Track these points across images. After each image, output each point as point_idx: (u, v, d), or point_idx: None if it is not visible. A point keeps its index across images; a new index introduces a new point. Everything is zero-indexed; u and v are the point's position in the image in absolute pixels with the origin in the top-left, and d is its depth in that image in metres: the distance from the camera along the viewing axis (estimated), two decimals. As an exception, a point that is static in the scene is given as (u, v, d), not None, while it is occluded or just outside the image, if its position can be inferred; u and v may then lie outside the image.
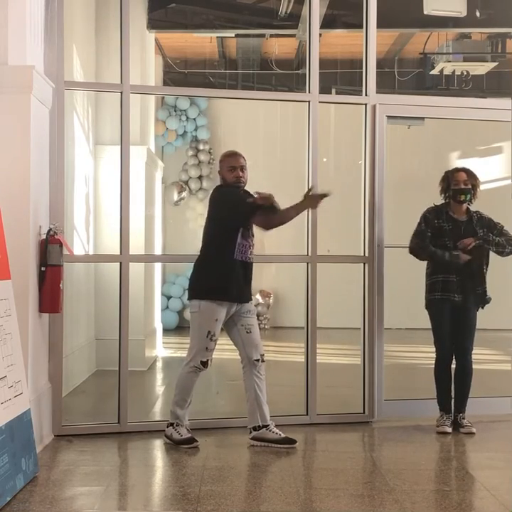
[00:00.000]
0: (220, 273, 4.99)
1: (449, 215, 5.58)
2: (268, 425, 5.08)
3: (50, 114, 5.21)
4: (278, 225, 5.04)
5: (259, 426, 5.08)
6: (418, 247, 5.58)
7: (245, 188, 5.16)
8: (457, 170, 5.61)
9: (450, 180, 5.57)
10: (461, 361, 5.57)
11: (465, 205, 5.58)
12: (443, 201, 5.65)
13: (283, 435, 5.07)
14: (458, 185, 5.53)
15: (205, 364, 5.02)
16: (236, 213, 4.98)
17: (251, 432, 5.11)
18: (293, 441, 5.05)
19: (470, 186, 5.52)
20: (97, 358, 7.81)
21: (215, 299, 4.98)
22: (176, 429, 5.08)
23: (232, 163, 5.15)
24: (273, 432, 5.07)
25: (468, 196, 5.53)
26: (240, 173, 5.11)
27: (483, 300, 5.54)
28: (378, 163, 5.83)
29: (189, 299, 5.18)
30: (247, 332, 5.11)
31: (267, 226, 5.09)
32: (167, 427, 5.14)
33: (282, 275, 11.64)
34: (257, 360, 5.07)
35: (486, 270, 5.58)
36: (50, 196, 5.24)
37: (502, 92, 11.41)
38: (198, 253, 5.15)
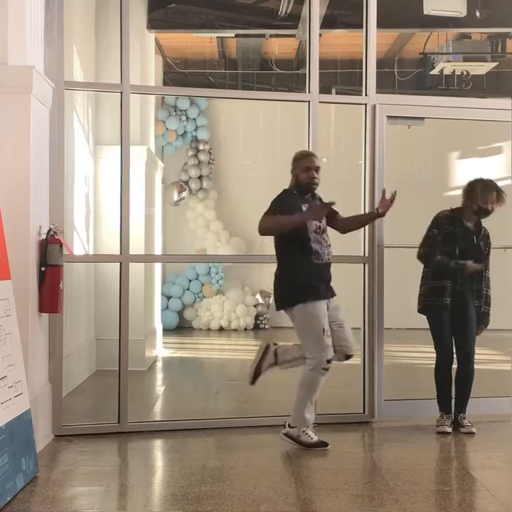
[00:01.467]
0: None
1: (462, 221, 5.57)
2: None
3: (50, 114, 5.21)
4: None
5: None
6: (427, 256, 5.56)
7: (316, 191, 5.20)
8: (491, 189, 5.50)
9: (479, 195, 5.49)
10: (464, 364, 5.55)
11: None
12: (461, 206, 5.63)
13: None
14: (486, 205, 5.48)
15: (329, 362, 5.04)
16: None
17: (285, 427, 5.14)
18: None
19: (494, 208, 5.51)
20: (97, 358, 7.81)
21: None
22: (305, 432, 5.07)
23: (307, 163, 5.12)
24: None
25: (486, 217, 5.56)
26: (315, 174, 5.10)
27: (483, 317, 5.60)
28: (378, 163, 5.82)
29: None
30: (340, 327, 5.13)
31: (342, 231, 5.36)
32: (288, 426, 5.12)
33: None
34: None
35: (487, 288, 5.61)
36: (50, 196, 5.24)
37: (502, 92, 11.41)
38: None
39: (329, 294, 5.12)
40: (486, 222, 5.65)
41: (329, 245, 5.14)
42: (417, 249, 5.62)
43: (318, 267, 5.04)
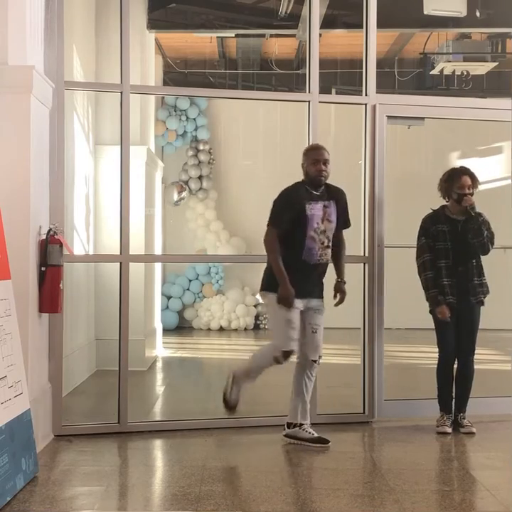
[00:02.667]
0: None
1: (447, 216, 5.58)
2: (303, 424, 5.12)
3: (50, 114, 5.21)
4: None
5: (294, 424, 5.12)
6: (420, 269, 5.59)
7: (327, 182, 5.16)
8: (462, 173, 5.54)
9: (454, 182, 5.54)
10: (463, 362, 5.56)
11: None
12: (443, 200, 5.64)
13: (316, 435, 5.10)
14: (462, 190, 5.49)
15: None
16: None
17: (285, 429, 5.15)
18: (326, 441, 5.08)
19: (472, 191, 5.51)
20: (97, 358, 7.81)
21: None
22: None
23: (315, 156, 5.11)
24: (306, 432, 5.10)
25: (475, 207, 5.52)
26: (323, 167, 5.08)
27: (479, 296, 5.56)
28: (378, 163, 5.82)
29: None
30: (312, 332, 5.13)
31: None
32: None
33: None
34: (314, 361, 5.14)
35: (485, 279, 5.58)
36: (50, 196, 5.24)
37: (502, 92, 11.41)
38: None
39: (308, 294, 5.07)
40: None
41: (327, 247, 5.10)
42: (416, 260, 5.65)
43: (306, 266, 5.04)
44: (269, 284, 5.10)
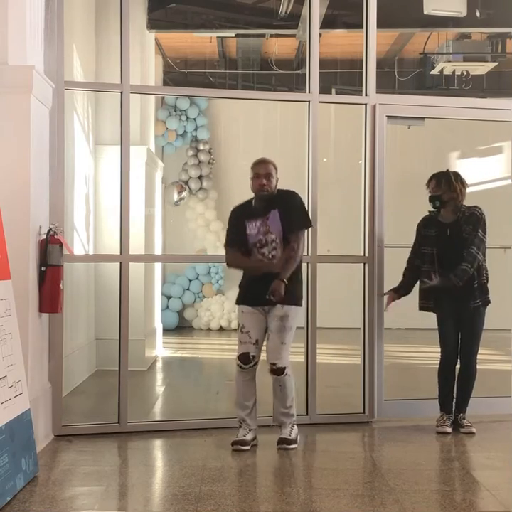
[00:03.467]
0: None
1: (438, 220, 5.59)
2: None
3: (50, 114, 5.21)
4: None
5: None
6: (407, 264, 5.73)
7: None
8: (431, 177, 5.59)
9: (429, 188, 5.59)
10: (465, 363, 5.56)
11: (446, 208, 5.55)
12: None
13: (239, 438, 5.02)
14: (429, 193, 5.56)
15: None
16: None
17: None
18: (243, 443, 4.97)
19: (439, 193, 5.50)
20: (97, 358, 7.81)
21: None
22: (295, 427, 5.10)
23: (256, 170, 5.08)
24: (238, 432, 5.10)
25: (437, 203, 5.51)
26: (264, 181, 5.02)
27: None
28: (378, 163, 5.82)
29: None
30: (268, 337, 5.11)
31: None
32: (290, 435, 5.04)
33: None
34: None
35: (484, 280, 5.56)
36: (50, 196, 5.24)
37: (502, 92, 11.41)
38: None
39: (261, 301, 4.96)
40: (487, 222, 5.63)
41: (272, 257, 5.01)
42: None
43: (255, 277, 5.05)
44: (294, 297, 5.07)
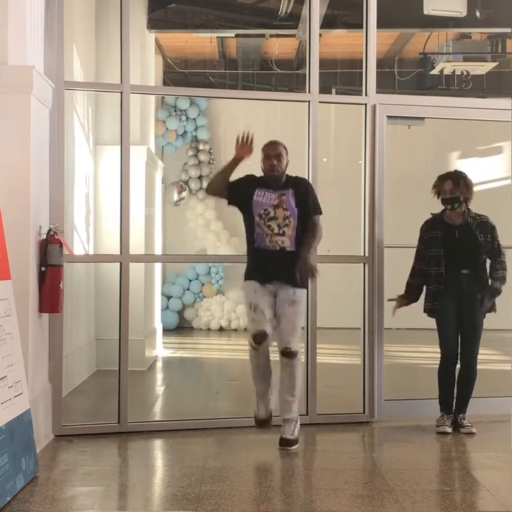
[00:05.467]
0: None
1: (444, 221, 5.57)
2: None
3: (50, 114, 5.21)
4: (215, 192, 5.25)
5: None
6: (411, 274, 5.70)
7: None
8: (444, 178, 5.56)
9: (440, 188, 5.56)
10: (465, 364, 5.56)
11: (460, 209, 5.56)
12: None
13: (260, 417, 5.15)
14: (445, 194, 5.51)
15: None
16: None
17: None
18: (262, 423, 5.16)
19: (458, 194, 5.50)
20: (97, 358, 7.81)
21: None
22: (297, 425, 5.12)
23: (267, 151, 5.14)
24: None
25: (457, 204, 5.50)
26: (275, 162, 5.07)
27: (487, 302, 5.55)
28: (378, 163, 5.82)
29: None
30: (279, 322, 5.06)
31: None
32: (292, 435, 5.03)
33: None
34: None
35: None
36: (50, 196, 5.24)
37: (502, 92, 11.41)
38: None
39: (268, 279, 4.99)
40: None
41: (278, 234, 4.99)
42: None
43: (260, 251, 5.03)
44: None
